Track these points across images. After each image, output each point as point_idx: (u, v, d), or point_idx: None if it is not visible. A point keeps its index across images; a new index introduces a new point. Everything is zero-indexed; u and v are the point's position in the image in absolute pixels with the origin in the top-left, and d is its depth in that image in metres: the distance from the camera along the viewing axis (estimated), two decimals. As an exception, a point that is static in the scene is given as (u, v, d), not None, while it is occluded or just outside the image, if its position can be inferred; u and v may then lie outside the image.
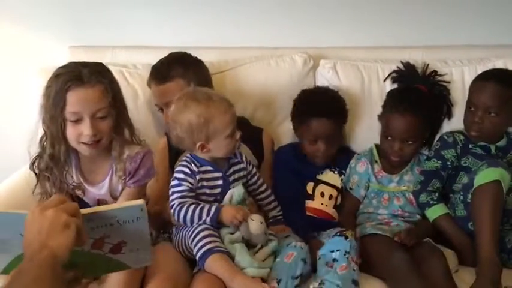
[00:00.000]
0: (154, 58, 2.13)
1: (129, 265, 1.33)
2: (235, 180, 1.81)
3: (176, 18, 2.39)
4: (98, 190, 1.75)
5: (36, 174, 1.72)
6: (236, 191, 1.77)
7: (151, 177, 1.76)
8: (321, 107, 2.03)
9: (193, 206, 1.70)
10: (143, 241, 1.29)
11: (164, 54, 2.08)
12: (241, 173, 1.85)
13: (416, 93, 2.08)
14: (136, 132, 1.75)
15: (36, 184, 1.73)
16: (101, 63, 1.72)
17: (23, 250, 1.13)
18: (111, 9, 2.37)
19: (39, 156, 1.70)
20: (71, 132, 1.62)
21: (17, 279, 1.06)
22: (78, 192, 1.76)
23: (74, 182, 1.74)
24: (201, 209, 1.69)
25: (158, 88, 2.01)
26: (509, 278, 1.69)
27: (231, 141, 1.74)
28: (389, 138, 2.00)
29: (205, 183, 1.76)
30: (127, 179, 1.71)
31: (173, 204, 1.72)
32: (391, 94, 2.12)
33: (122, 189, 1.74)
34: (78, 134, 1.62)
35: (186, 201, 1.71)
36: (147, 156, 1.73)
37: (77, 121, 1.60)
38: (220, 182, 1.78)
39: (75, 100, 1.58)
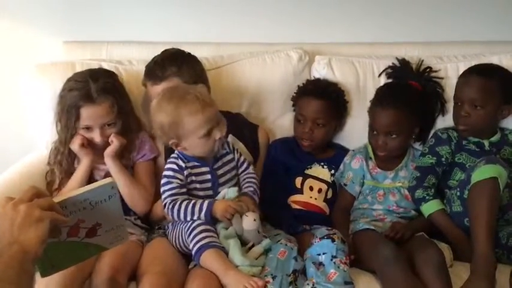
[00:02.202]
0: (149, 54, 2.11)
1: (107, 246, 1.33)
2: (227, 172, 1.82)
3: (171, 13, 2.38)
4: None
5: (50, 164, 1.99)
6: (230, 192, 1.76)
7: (156, 154, 2.00)
8: (311, 88, 2.11)
9: (185, 202, 1.71)
10: (117, 219, 1.30)
11: (159, 49, 2.07)
12: (232, 164, 1.85)
13: (403, 88, 2.10)
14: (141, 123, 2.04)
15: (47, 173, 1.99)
16: (109, 73, 2.01)
17: None
18: (106, 4, 2.35)
19: (54, 154, 1.98)
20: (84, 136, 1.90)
21: None
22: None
23: None
24: (194, 205, 1.70)
25: (154, 88, 1.99)
26: (504, 273, 1.70)
27: (207, 141, 1.73)
28: (375, 132, 2.02)
29: (194, 178, 1.77)
30: (135, 155, 1.97)
31: (165, 204, 1.73)
32: (378, 89, 2.14)
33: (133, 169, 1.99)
34: (90, 139, 1.90)
35: (177, 199, 1.72)
36: (147, 136, 2.02)
37: (89, 128, 1.89)
38: (208, 176, 1.78)
39: (87, 116, 1.87)
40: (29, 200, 1.14)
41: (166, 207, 1.72)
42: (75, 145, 1.90)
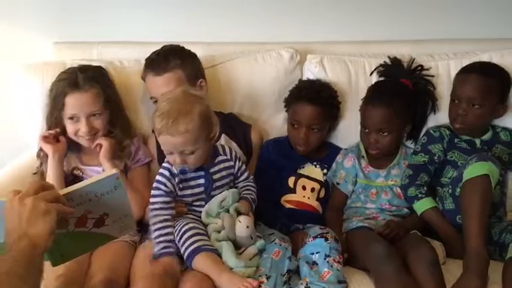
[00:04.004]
0: (140, 54, 2.11)
1: (115, 235, 1.36)
2: (223, 177, 1.80)
3: (163, 13, 2.38)
4: (97, 168, 1.94)
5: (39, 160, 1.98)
6: (231, 196, 1.75)
7: (150, 158, 1.99)
8: (305, 92, 2.08)
9: (157, 219, 1.70)
10: (124, 209, 1.32)
11: (151, 50, 2.06)
12: (229, 171, 1.83)
13: (394, 86, 2.10)
14: (132, 126, 2.03)
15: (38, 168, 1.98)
16: (99, 67, 2.01)
17: (5, 239, 1.13)
18: (97, 5, 2.34)
19: (41, 148, 1.96)
20: (69, 128, 1.89)
21: None
22: (77, 173, 1.96)
23: (71, 166, 1.97)
24: (156, 230, 1.69)
25: (155, 79, 1.98)
26: (496, 270, 1.70)
27: (171, 159, 1.72)
28: (366, 130, 2.02)
29: (186, 184, 1.75)
30: (130, 160, 1.95)
31: (150, 208, 1.74)
32: (369, 88, 2.14)
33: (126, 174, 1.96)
34: (76, 130, 1.88)
35: (156, 214, 1.71)
36: (141, 140, 2.01)
37: (74, 119, 1.87)
38: (202, 180, 1.77)
39: (72, 104, 1.86)
40: (35, 193, 1.15)
41: (150, 212, 1.73)
42: (40, 139, 1.89)
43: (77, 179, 1.91)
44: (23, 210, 1.12)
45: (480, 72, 2.00)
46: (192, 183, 1.76)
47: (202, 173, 1.77)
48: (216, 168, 1.80)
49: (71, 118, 1.87)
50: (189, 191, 1.76)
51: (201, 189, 1.77)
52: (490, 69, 2.04)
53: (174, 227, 1.71)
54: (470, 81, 2.00)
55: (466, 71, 2.06)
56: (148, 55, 2.06)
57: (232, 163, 1.85)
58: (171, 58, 1.98)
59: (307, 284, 1.64)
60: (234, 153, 1.87)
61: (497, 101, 2.01)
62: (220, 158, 1.82)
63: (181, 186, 1.74)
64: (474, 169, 1.77)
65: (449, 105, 2.07)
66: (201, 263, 1.60)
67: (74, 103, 1.85)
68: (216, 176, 1.79)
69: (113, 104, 1.94)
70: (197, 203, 1.78)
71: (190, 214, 1.78)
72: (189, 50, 2.07)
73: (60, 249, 1.25)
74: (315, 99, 2.05)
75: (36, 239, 1.10)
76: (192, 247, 1.62)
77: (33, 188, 1.17)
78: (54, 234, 1.14)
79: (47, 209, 1.13)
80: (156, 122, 1.65)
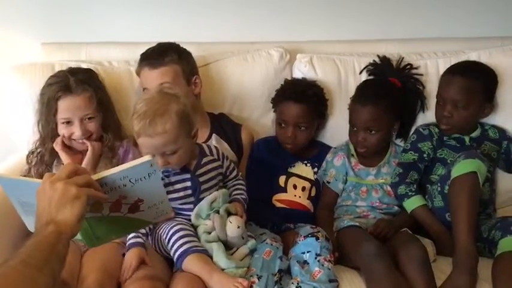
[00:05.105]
0: (129, 54, 2.11)
1: (150, 221, 1.37)
2: (211, 179, 1.78)
3: (151, 13, 2.37)
4: None
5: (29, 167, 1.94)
6: (222, 197, 1.74)
7: None
8: (290, 92, 2.08)
9: None
10: (159, 195, 1.32)
11: (139, 50, 2.05)
12: (216, 171, 1.81)
13: (382, 85, 2.10)
14: (122, 129, 2.00)
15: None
16: (89, 69, 2.01)
17: (36, 223, 1.13)
18: (85, 5, 2.33)
19: (31, 152, 1.95)
20: (63, 132, 1.88)
21: (14, 255, 1.05)
22: None
23: None
24: None
25: (151, 72, 1.97)
26: (486, 267, 1.71)
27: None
28: (355, 128, 2.03)
29: (171, 188, 1.73)
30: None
31: None
32: (358, 86, 2.14)
33: None
34: (70, 134, 1.88)
35: None
36: (131, 143, 1.95)
37: (68, 123, 1.86)
38: (188, 183, 1.74)
39: (65, 108, 1.85)
40: (67, 177, 1.14)
41: None
42: (58, 146, 1.88)
43: None
44: (53, 194, 1.11)
45: (464, 74, 2.00)
46: (178, 186, 1.73)
47: (188, 175, 1.74)
48: (203, 169, 1.77)
49: (65, 122, 1.87)
50: (175, 195, 1.72)
51: (189, 192, 1.74)
52: (474, 71, 2.04)
53: (162, 230, 1.69)
54: (454, 83, 2.00)
55: (450, 73, 2.06)
56: (137, 55, 2.04)
57: (220, 163, 1.83)
58: (167, 53, 1.98)
59: (298, 284, 1.64)
60: (221, 153, 1.86)
61: (483, 101, 2.02)
62: (206, 158, 1.80)
63: (167, 190, 1.71)
64: (462, 167, 1.78)
65: (435, 106, 2.09)
66: (191, 264, 1.59)
67: (67, 107, 1.85)
68: (203, 178, 1.76)
69: (105, 106, 1.93)
70: (186, 207, 1.75)
71: (179, 217, 1.75)
72: (184, 48, 2.07)
73: (96, 232, 1.26)
74: (300, 97, 2.05)
75: (63, 225, 1.09)
76: (181, 249, 1.60)
77: (66, 172, 1.15)
78: (86, 219, 1.13)
79: (77, 194, 1.11)
80: (134, 124, 1.63)
